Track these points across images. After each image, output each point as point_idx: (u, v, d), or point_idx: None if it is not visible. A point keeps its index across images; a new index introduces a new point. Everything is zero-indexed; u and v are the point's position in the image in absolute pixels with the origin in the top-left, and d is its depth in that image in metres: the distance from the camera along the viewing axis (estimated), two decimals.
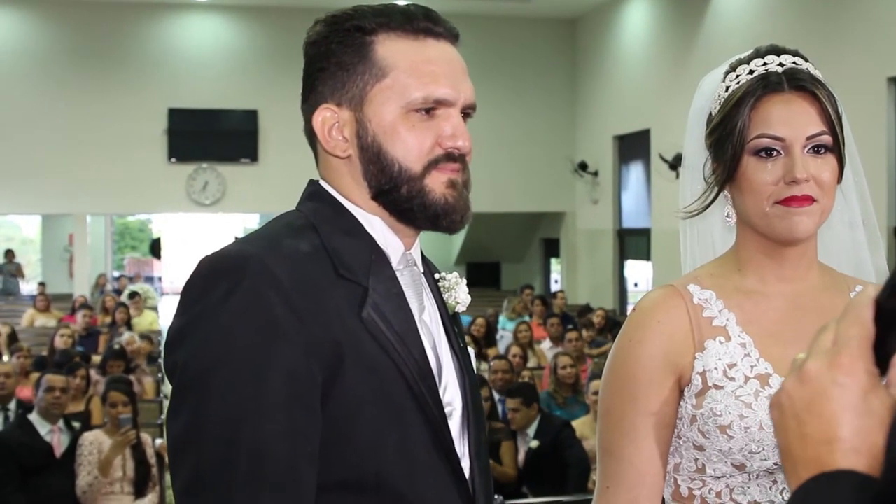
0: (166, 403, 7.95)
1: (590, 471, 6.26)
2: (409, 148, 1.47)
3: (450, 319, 1.63)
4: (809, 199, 1.62)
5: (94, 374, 8.22)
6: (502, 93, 15.87)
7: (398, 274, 1.51)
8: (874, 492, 0.79)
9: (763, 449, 1.59)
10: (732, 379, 1.64)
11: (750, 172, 1.65)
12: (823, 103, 1.64)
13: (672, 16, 13.87)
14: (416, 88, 1.47)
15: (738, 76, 1.70)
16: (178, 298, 1.45)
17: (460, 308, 1.66)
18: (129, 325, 11.77)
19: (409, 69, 1.48)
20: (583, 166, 16.08)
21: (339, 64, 1.50)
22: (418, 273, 1.57)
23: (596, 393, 6.57)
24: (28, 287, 20.52)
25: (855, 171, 1.79)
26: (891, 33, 9.57)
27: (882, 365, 0.86)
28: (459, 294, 1.65)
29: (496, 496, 5.56)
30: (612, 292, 15.60)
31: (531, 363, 9.80)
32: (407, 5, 1.53)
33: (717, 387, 1.64)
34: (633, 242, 15.39)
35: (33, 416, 6.11)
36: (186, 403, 1.35)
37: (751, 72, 1.68)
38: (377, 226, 1.51)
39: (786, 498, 1.61)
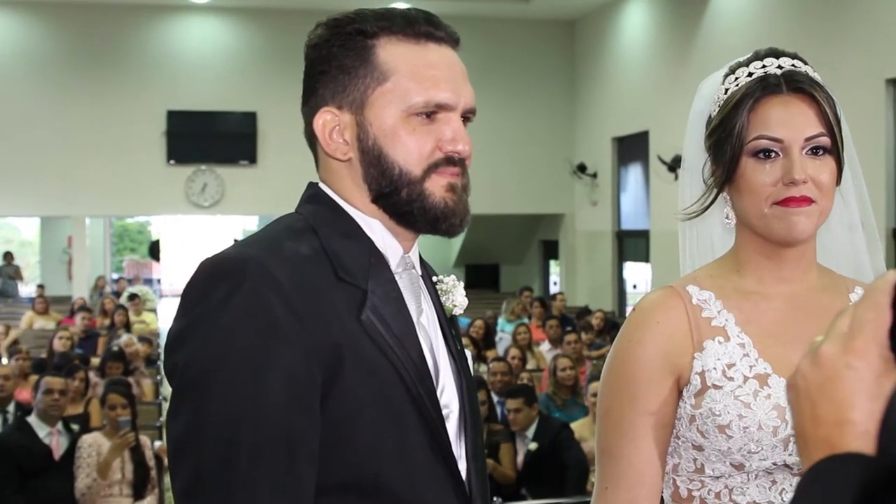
0: (165, 405, 7.98)
1: (588, 472, 6.26)
2: (409, 151, 1.48)
3: (447, 322, 1.63)
4: (808, 200, 1.63)
5: (92, 376, 8.22)
6: (501, 94, 15.87)
7: (397, 277, 1.52)
8: (870, 470, 0.80)
9: (762, 449, 1.60)
10: (731, 379, 1.64)
11: (748, 174, 1.66)
12: (822, 105, 1.64)
13: (671, 17, 13.88)
14: (417, 92, 1.48)
15: (737, 79, 1.71)
16: (177, 301, 1.46)
17: (458, 311, 1.66)
18: (127, 327, 11.76)
19: (411, 73, 1.49)
20: (581, 168, 16.09)
21: (340, 67, 1.50)
22: (416, 276, 1.58)
23: (595, 395, 6.57)
24: (27, 289, 20.52)
25: (854, 174, 1.80)
26: (889, 35, 9.57)
27: None
28: (457, 297, 1.66)
29: (495, 498, 5.56)
30: (611, 294, 15.60)
31: (530, 365, 9.80)
32: (408, 9, 1.54)
33: (715, 387, 1.64)
34: (631, 244, 15.39)
35: (32, 419, 6.11)
36: (186, 404, 1.36)
37: (749, 74, 1.70)
38: (376, 229, 1.52)
39: (785, 498, 1.61)
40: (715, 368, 1.65)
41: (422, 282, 1.60)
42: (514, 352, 9.36)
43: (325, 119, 1.52)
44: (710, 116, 1.76)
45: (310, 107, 1.55)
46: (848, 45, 10.02)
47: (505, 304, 13.29)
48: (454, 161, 1.50)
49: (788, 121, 1.64)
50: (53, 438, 6.07)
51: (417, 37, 1.51)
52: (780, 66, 1.68)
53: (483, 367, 9.01)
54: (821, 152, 1.65)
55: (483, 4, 15.50)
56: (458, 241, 18.86)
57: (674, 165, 12.73)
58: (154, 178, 15.51)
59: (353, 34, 1.51)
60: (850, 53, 9.89)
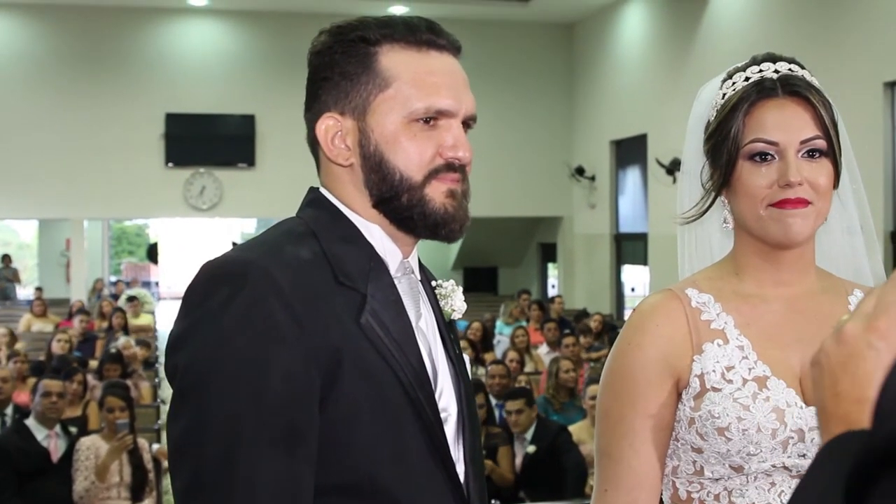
0: (163, 408, 7.97)
1: (587, 475, 6.26)
2: (410, 157, 1.50)
3: (446, 326, 1.65)
4: (804, 202, 1.64)
5: (91, 378, 8.22)
6: (499, 97, 15.88)
7: (396, 282, 1.54)
8: (863, 445, 0.81)
9: (761, 451, 1.60)
10: (730, 381, 1.65)
11: (745, 177, 1.68)
12: (818, 108, 1.65)
13: (669, 21, 13.89)
14: (419, 99, 1.50)
15: (734, 83, 1.73)
16: (175, 303, 1.47)
17: (456, 315, 1.68)
18: (125, 329, 11.76)
19: (412, 80, 1.50)
20: (580, 171, 16.10)
21: (342, 74, 1.52)
22: (416, 281, 1.60)
23: (593, 397, 6.57)
24: (25, 292, 20.51)
25: (853, 178, 1.80)
26: (887, 38, 9.59)
27: None
28: (456, 302, 1.67)
29: (492, 501, 5.56)
30: (609, 297, 15.61)
31: (528, 368, 9.80)
32: (410, 17, 1.56)
33: (714, 389, 1.65)
34: (630, 247, 15.40)
35: (30, 421, 6.11)
36: (186, 406, 1.37)
37: (747, 79, 1.71)
38: (376, 234, 1.54)
39: (784, 500, 1.62)
40: (714, 371, 1.66)
41: (421, 286, 1.61)
42: (512, 354, 9.37)
43: (328, 125, 1.53)
44: (708, 121, 1.77)
45: (312, 113, 1.56)
46: (845, 48, 10.04)
47: (503, 306, 13.30)
48: (454, 167, 1.52)
49: (784, 124, 1.65)
50: (51, 441, 6.07)
51: (419, 44, 1.53)
52: (776, 71, 1.70)
53: (481, 370, 9.02)
54: (817, 155, 1.66)
55: (481, 7, 15.51)
56: (456, 244, 18.79)
57: (672, 168, 12.74)
58: (152, 181, 15.51)
59: (355, 41, 1.52)
60: (847, 57, 9.90)
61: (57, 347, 9.67)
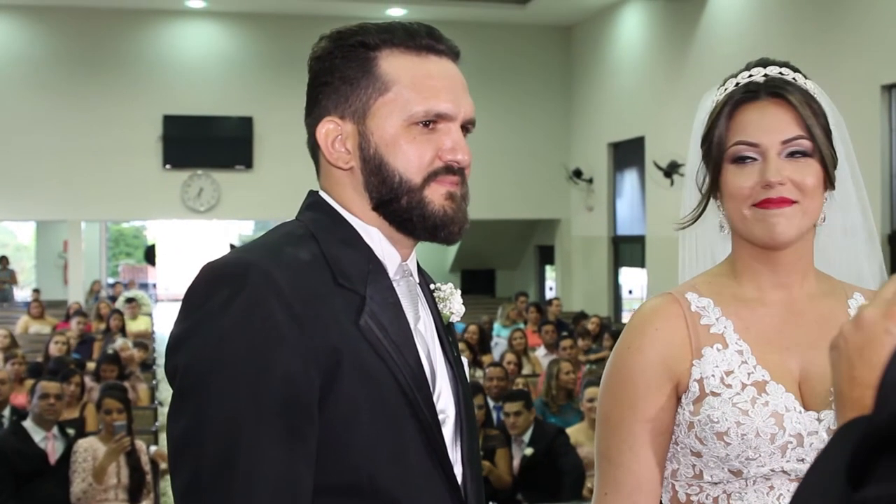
0: (161, 410, 7.96)
1: (584, 478, 6.26)
2: (409, 160, 1.51)
3: (444, 329, 1.66)
4: (787, 202, 1.65)
5: (88, 380, 8.21)
6: (497, 99, 15.90)
7: (395, 284, 1.55)
8: (863, 430, 0.82)
9: (759, 455, 1.61)
10: (729, 386, 1.65)
11: (729, 179, 1.70)
12: (800, 109, 1.66)
13: (666, 24, 13.91)
14: (418, 102, 1.51)
15: (726, 89, 1.75)
16: (172, 305, 1.48)
17: (455, 318, 1.69)
18: (123, 331, 11.75)
19: (411, 84, 1.52)
20: (577, 173, 16.11)
21: (343, 78, 1.54)
22: (414, 283, 1.61)
23: (590, 400, 6.58)
24: (22, 294, 20.51)
25: (856, 180, 1.81)
26: (884, 41, 9.61)
27: None
28: (454, 305, 1.68)
29: (490, 503, 5.56)
30: (607, 299, 15.63)
31: (525, 370, 9.80)
32: (410, 23, 1.57)
33: (714, 394, 1.65)
34: (627, 250, 15.42)
35: (28, 423, 6.11)
36: (186, 406, 1.38)
37: (737, 84, 1.73)
38: (375, 237, 1.55)
39: (783, 503, 1.62)
40: (713, 375, 1.67)
41: (419, 289, 1.62)
42: (510, 357, 9.37)
43: (328, 128, 1.54)
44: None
45: (313, 117, 1.57)
46: (843, 51, 10.05)
47: (501, 309, 13.31)
48: (453, 170, 1.53)
49: (764, 125, 1.67)
50: (49, 443, 6.07)
51: (418, 49, 1.55)
52: (766, 75, 1.71)
53: (479, 373, 9.02)
54: (800, 155, 1.66)
55: (479, 10, 15.52)
56: (454, 247, 18.85)
57: (669, 171, 12.76)
58: (150, 183, 15.52)
59: (355, 46, 1.54)
60: (845, 60, 9.92)
61: (54, 349, 9.67)
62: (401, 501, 1.43)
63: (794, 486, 1.61)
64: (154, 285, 29.38)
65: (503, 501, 6.26)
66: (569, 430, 6.68)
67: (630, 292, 16.05)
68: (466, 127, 1.57)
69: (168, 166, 15.59)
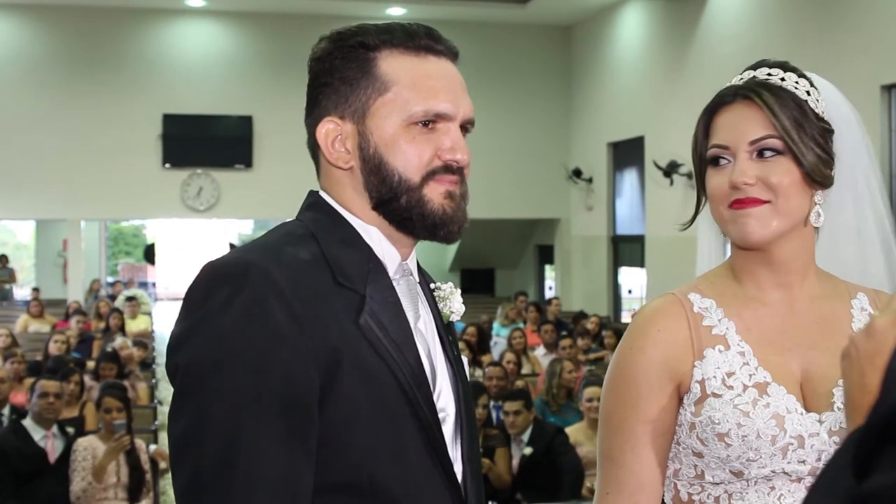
0: (160, 409, 7.95)
1: (584, 477, 6.27)
2: (409, 159, 1.52)
3: (444, 328, 1.66)
4: (756, 202, 1.66)
5: (88, 379, 8.21)
6: (497, 99, 15.90)
7: (395, 283, 1.55)
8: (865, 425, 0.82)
9: (760, 457, 1.61)
10: (731, 387, 1.66)
11: (708, 181, 1.73)
12: (769, 109, 1.66)
13: (666, 24, 13.91)
14: (417, 102, 1.52)
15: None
16: (172, 304, 1.48)
17: (455, 317, 1.70)
18: (122, 330, 11.75)
19: (411, 84, 1.53)
20: (577, 173, 16.11)
21: (342, 79, 1.55)
22: (414, 283, 1.61)
23: (590, 399, 6.59)
24: (22, 292, 20.51)
25: (867, 181, 1.81)
26: (884, 41, 9.61)
27: None
28: (454, 304, 1.69)
29: (489, 503, 5.56)
30: (607, 299, 15.63)
31: (525, 370, 9.80)
32: (409, 23, 1.58)
33: (715, 395, 1.66)
34: (627, 249, 15.42)
35: (27, 422, 6.11)
36: (187, 405, 1.39)
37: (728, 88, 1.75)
38: (375, 236, 1.56)
39: None
40: (715, 377, 1.67)
41: (419, 288, 1.63)
42: (509, 356, 9.36)
43: (328, 129, 1.55)
44: None
45: (313, 118, 1.58)
46: (843, 51, 10.05)
47: (500, 308, 13.31)
48: (452, 169, 1.54)
49: (732, 127, 1.69)
50: (48, 442, 6.07)
51: (418, 49, 1.56)
52: (752, 78, 1.73)
53: (478, 372, 9.01)
54: (770, 154, 1.67)
55: (479, 10, 15.52)
56: (453, 246, 18.85)
57: (669, 171, 12.77)
58: (149, 182, 15.52)
59: (355, 47, 1.55)
60: (845, 60, 9.92)
61: (54, 348, 9.66)
62: (401, 500, 1.44)
63: (794, 487, 1.62)
64: (153, 284, 29.37)
65: (502, 501, 6.26)
66: (568, 430, 6.68)
67: (629, 292, 16.05)
68: (465, 127, 1.58)
69: (168, 165, 15.59)
